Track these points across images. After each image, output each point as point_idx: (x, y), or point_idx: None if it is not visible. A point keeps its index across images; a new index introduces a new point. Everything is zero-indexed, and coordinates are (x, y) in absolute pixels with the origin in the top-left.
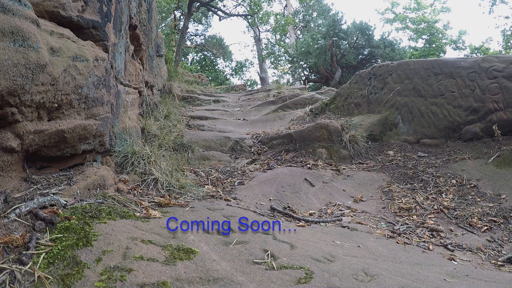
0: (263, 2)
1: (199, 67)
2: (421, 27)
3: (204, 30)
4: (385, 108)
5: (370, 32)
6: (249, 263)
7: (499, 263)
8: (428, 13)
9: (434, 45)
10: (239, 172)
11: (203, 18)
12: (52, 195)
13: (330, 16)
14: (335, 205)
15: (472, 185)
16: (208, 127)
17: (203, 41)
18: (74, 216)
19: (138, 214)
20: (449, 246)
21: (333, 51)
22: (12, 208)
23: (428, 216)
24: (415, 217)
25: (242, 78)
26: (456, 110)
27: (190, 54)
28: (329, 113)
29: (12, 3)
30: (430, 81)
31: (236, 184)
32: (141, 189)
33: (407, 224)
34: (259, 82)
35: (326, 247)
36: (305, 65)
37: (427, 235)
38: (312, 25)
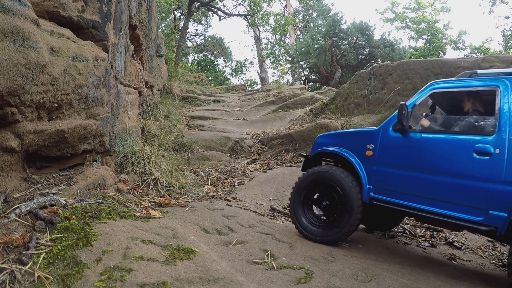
0: (263, 2)
1: (199, 67)
2: (421, 27)
3: (204, 30)
4: (385, 108)
5: (370, 32)
6: (249, 263)
7: (500, 263)
8: (428, 13)
9: (434, 45)
10: (239, 172)
11: (203, 18)
12: (52, 195)
13: (330, 16)
14: None
15: None
16: (208, 127)
17: (203, 41)
18: (74, 216)
19: (138, 214)
20: (449, 246)
21: (333, 51)
22: (12, 208)
23: None
24: None
25: (242, 78)
26: None
27: (190, 54)
28: (329, 113)
29: (12, 3)
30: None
31: (236, 184)
32: (141, 189)
33: (407, 223)
34: (259, 82)
35: (326, 247)
36: (305, 65)
37: (427, 235)
38: (312, 25)
